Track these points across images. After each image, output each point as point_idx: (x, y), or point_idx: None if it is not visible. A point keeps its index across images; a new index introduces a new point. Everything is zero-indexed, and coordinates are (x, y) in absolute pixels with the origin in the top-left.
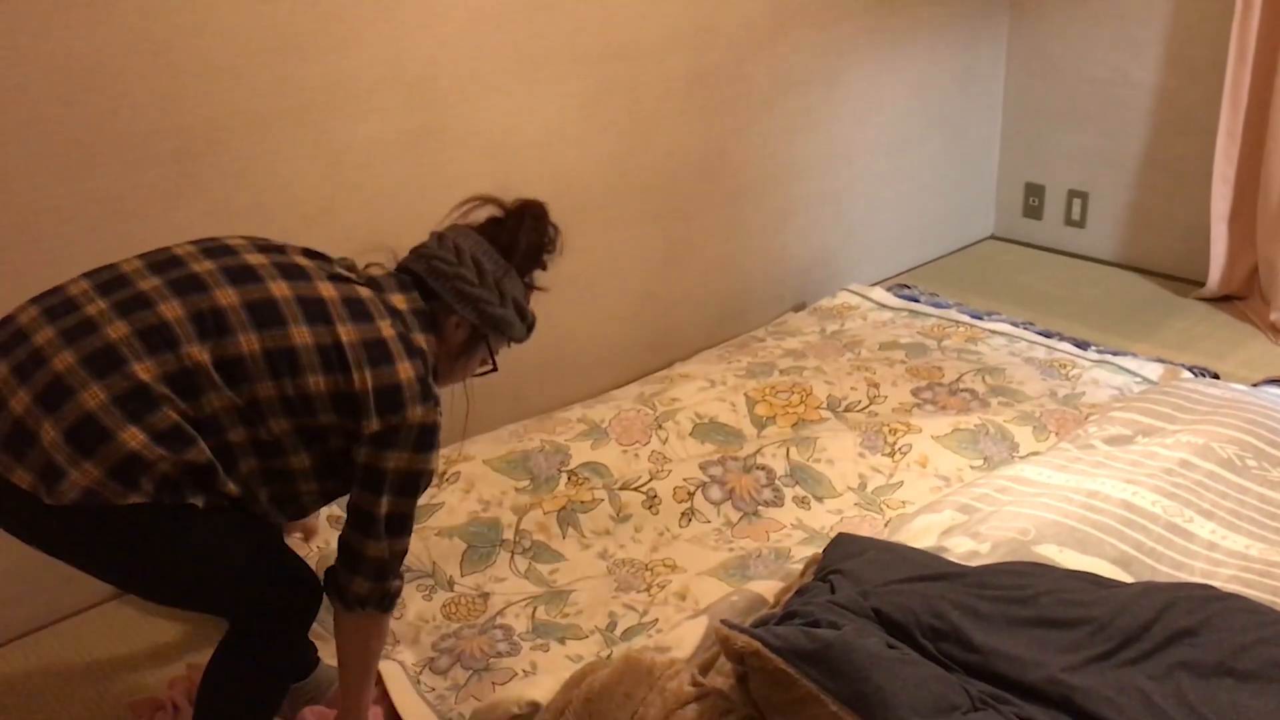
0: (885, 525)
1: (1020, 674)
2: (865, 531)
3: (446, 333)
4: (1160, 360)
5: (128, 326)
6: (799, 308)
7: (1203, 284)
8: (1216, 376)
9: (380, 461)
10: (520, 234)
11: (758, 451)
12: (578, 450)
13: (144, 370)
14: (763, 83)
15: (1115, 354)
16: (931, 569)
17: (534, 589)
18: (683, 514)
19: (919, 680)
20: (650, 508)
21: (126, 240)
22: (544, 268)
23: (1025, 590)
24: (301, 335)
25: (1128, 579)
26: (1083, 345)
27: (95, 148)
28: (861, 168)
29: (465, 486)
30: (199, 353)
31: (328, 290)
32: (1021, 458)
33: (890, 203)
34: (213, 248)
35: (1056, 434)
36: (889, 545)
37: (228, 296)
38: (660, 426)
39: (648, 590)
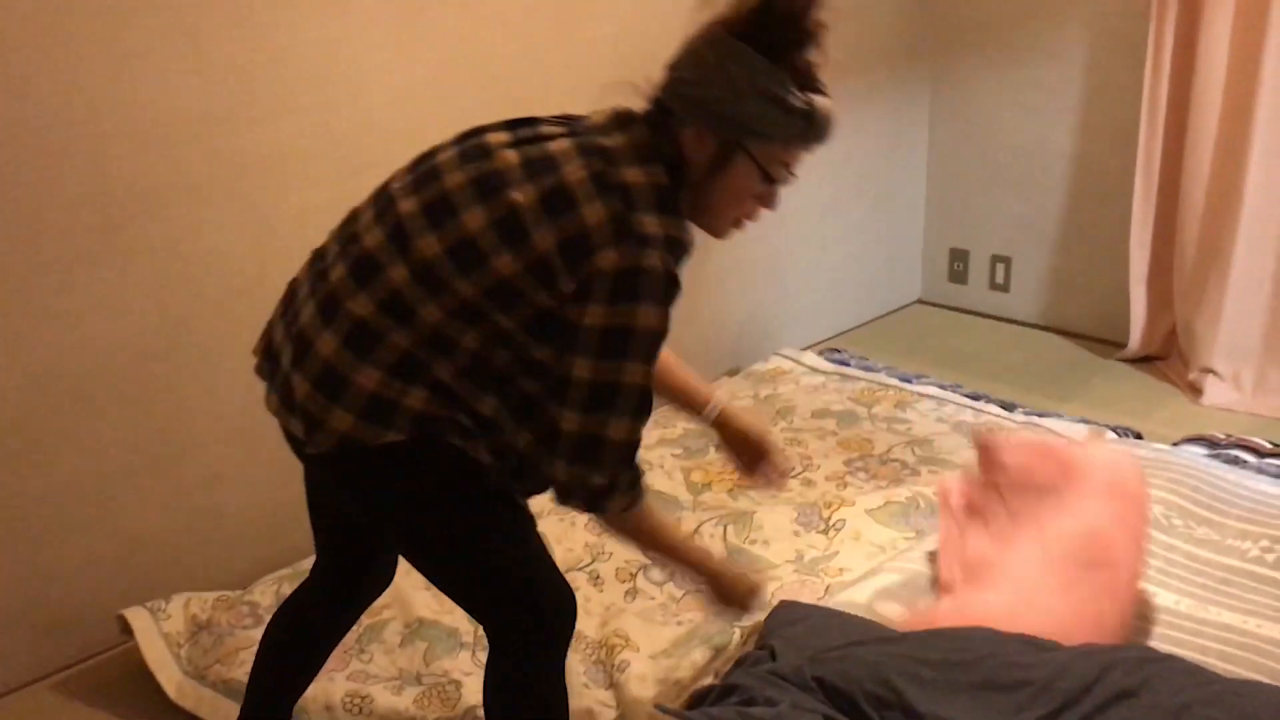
0: (825, 591)
1: None
2: (805, 598)
3: (689, 152)
4: (1085, 421)
5: (343, 267)
6: (733, 372)
7: (1124, 345)
8: (1139, 436)
9: (578, 318)
10: (773, 7)
11: (696, 530)
12: None
13: (359, 305)
14: None
15: (1041, 415)
16: (873, 634)
17: None
18: (626, 592)
19: None
20: (595, 584)
21: (54, 312)
22: (809, 42)
23: (967, 654)
24: (475, 219)
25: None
26: (1009, 407)
27: (21, 218)
28: (792, 233)
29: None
30: (397, 272)
31: (506, 159)
32: None
33: (821, 267)
34: (419, 159)
35: None
36: (830, 611)
37: (408, 205)
38: None
39: (604, 667)
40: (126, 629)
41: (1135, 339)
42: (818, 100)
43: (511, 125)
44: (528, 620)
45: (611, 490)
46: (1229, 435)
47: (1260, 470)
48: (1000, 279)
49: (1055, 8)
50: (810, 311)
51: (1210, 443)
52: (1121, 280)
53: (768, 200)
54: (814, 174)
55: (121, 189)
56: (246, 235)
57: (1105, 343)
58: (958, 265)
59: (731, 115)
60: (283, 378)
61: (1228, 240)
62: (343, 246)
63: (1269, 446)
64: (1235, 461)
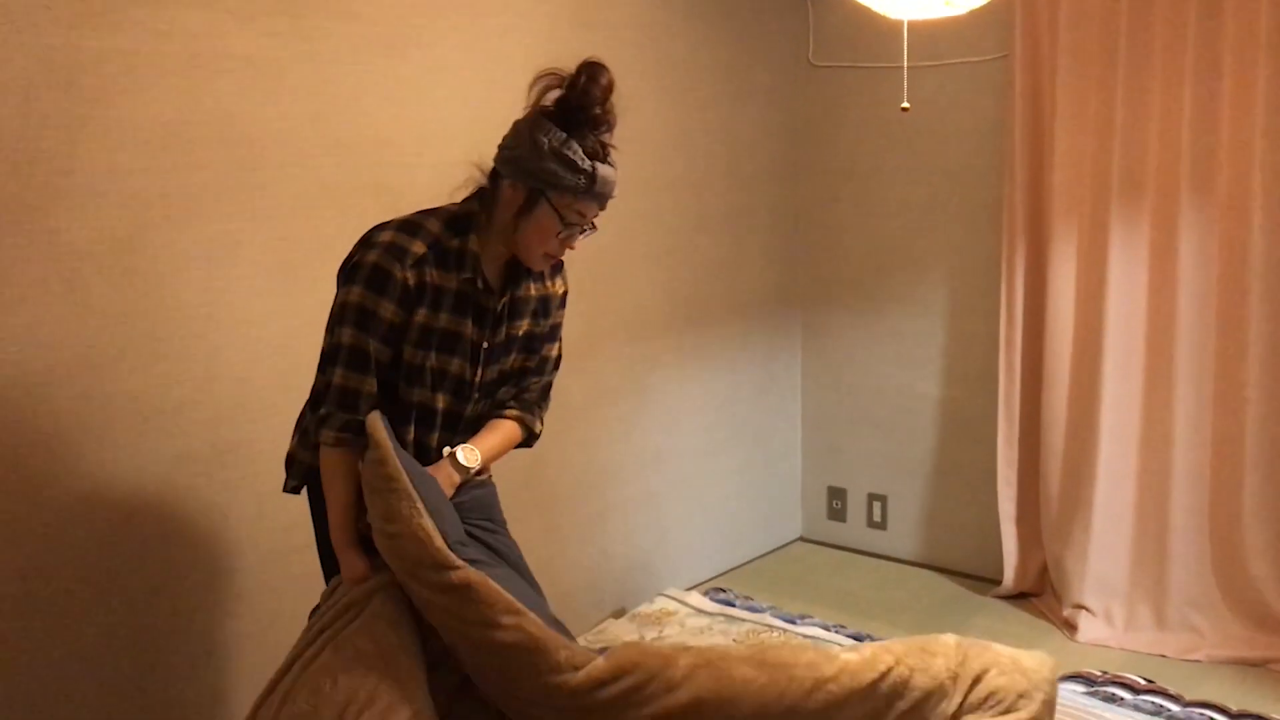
0: None
1: None
2: None
3: (504, 196)
4: None
5: None
6: (619, 614)
7: (999, 582)
8: None
9: None
10: (571, 99)
11: None
12: None
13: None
14: (577, 394)
15: None
16: None
17: None
18: None
19: None
20: None
21: None
22: (602, 123)
23: None
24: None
25: None
26: None
27: None
28: (673, 474)
29: None
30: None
31: None
32: None
33: (702, 507)
34: None
35: None
36: None
37: None
38: None
39: None
40: None
41: (1009, 576)
42: (600, 167)
43: None
44: None
45: (327, 419)
46: (1105, 672)
47: (1136, 708)
48: (877, 517)
49: (915, 262)
50: (695, 551)
51: (1088, 680)
52: (993, 518)
53: (569, 241)
54: (694, 416)
55: None
56: (116, 484)
57: (981, 579)
58: (836, 503)
59: (534, 169)
60: None
61: (1088, 480)
62: None
63: (1143, 683)
64: (1112, 699)
